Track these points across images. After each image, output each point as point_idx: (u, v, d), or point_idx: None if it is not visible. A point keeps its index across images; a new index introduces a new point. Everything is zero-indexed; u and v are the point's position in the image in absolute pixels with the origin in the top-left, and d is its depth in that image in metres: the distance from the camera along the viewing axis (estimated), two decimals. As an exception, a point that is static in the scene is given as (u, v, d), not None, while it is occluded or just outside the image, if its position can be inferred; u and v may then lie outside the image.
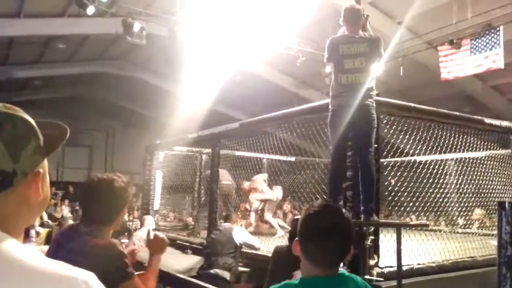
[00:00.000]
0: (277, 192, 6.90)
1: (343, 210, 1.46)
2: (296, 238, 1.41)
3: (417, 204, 4.97)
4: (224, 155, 6.45)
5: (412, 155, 5.43)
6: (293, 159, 7.75)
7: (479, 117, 4.53)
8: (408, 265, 3.55)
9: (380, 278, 3.41)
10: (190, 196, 9.15)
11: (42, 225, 5.87)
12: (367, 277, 3.39)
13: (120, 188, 1.89)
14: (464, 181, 5.50)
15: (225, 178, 6.37)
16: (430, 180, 5.41)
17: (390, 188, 4.45)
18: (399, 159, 4.87)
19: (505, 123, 4.72)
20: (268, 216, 6.60)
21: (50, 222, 6.48)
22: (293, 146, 6.48)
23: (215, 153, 5.72)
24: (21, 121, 0.80)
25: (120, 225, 2.03)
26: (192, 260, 4.97)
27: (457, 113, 4.37)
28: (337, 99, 3.53)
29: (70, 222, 6.22)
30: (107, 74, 13.50)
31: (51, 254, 1.89)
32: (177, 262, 4.85)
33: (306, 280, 1.36)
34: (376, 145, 3.62)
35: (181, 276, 2.56)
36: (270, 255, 4.41)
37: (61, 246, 1.87)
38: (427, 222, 3.29)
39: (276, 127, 5.24)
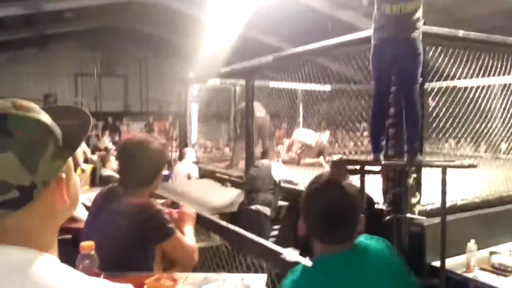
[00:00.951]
0: (322, 137, 6.83)
1: (347, 184, 1.36)
2: (301, 219, 1.37)
3: (457, 129, 4.84)
4: (257, 86, 6.33)
5: (455, 79, 5.15)
6: (328, 88, 7.56)
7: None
8: (451, 201, 3.50)
9: (423, 216, 3.39)
10: (226, 124, 9.23)
11: (86, 161, 6.07)
12: (409, 215, 3.39)
13: (156, 150, 1.89)
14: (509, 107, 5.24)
15: (259, 110, 6.31)
16: (472, 105, 5.18)
17: (429, 112, 4.28)
18: (440, 83, 4.65)
19: None
20: (306, 161, 6.62)
21: (93, 157, 6.69)
22: (332, 73, 6.28)
23: (249, 87, 5.61)
24: (34, 123, 0.70)
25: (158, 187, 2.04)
26: (232, 194, 5.08)
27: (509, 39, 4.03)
28: (380, 32, 3.29)
29: (113, 157, 6.42)
30: (135, 2, 13.18)
31: (92, 216, 1.95)
32: (218, 196, 4.99)
33: (320, 260, 1.34)
34: (421, 79, 3.43)
35: (223, 223, 2.60)
36: (309, 189, 4.46)
37: (101, 208, 1.91)
38: (475, 163, 3.16)
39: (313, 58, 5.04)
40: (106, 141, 12.57)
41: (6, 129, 0.67)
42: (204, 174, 6.53)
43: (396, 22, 3.20)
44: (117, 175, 6.17)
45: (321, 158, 6.60)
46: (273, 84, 6.99)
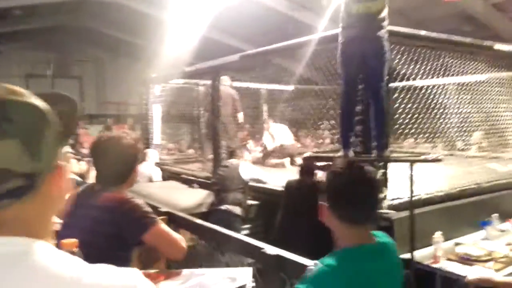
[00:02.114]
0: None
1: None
2: (323, 204, 1.36)
3: (415, 127, 5.01)
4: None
5: (413, 79, 5.32)
6: (291, 87, 7.64)
7: (489, 43, 4.40)
8: (416, 195, 3.61)
9: (391, 210, 3.49)
10: (189, 126, 9.11)
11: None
12: (378, 210, 3.47)
13: (129, 146, 1.85)
14: (465, 105, 5.47)
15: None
16: (430, 104, 5.37)
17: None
18: (399, 84, 4.82)
19: (514, 48, 4.60)
20: (271, 161, 6.64)
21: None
22: (295, 75, 6.35)
23: (215, 86, 5.57)
24: (32, 108, 0.68)
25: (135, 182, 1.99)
26: (200, 195, 5.02)
27: (468, 39, 4.23)
28: (347, 30, 3.36)
29: (73, 160, 6.18)
30: (89, 1, 12.81)
31: (67, 214, 1.88)
32: (185, 198, 4.91)
33: (347, 252, 1.30)
34: (387, 77, 3.53)
35: (199, 221, 2.57)
36: (277, 188, 4.49)
37: (78, 205, 1.85)
38: (441, 157, 3.28)
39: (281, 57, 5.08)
40: (62, 145, 12.12)
41: (6, 116, 0.65)
42: (169, 176, 6.42)
43: (363, 21, 3.28)
44: (78, 178, 5.97)
45: (287, 159, 6.63)
46: (236, 84, 6.98)
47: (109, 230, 1.70)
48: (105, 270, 0.67)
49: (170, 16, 11.32)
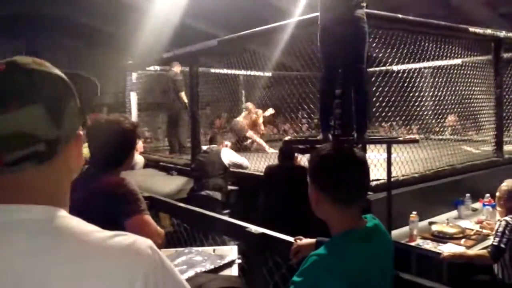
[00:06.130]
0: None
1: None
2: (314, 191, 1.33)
3: (389, 113, 5.06)
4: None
5: (388, 64, 5.35)
6: (269, 74, 7.65)
7: (464, 26, 4.48)
8: (393, 177, 3.69)
9: (369, 192, 3.55)
10: (166, 114, 9.00)
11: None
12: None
13: (127, 130, 1.84)
14: (440, 89, 5.55)
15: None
16: (404, 89, 5.42)
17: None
18: (373, 69, 4.86)
19: (488, 31, 4.70)
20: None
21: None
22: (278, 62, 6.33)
23: (193, 72, 5.53)
24: (58, 79, 0.71)
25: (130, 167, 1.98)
26: (179, 182, 5.01)
27: (444, 23, 4.30)
28: (327, 13, 3.35)
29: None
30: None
31: None
32: (165, 184, 4.90)
33: (342, 239, 1.27)
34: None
35: (178, 203, 2.57)
36: (257, 173, 4.52)
37: (73, 188, 1.82)
38: (417, 138, 3.35)
39: (257, 43, 5.06)
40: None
41: (34, 83, 0.67)
42: (147, 164, 6.36)
43: (341, 3, 3.27)
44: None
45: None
46: (214, 70, 6.94)
47: (103, 212, 1.69)
48: (122, 233, 0.69)
49: (144, 2, 11.13)
